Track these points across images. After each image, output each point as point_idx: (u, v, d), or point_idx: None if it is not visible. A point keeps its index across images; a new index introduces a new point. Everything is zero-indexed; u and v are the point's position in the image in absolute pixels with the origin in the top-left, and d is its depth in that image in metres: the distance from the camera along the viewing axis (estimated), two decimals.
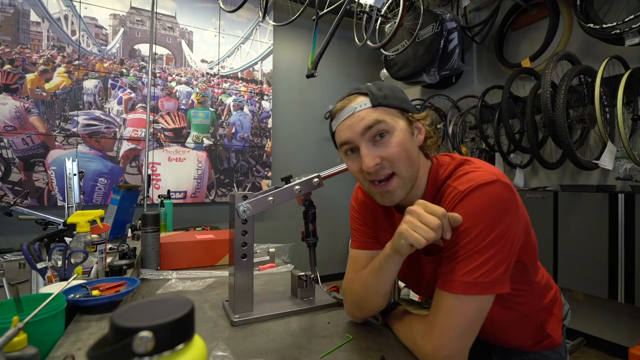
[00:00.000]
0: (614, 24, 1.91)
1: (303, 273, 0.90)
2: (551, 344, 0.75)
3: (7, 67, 2.43)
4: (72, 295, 0.76)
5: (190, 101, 3.07)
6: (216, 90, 3.19)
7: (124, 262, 1.03)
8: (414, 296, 2.98)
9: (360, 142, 0.63)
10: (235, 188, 3.25)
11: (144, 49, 2.90)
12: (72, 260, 0.86)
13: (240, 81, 3.31)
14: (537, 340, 0.75)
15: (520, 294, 0.70)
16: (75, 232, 0.94)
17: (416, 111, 0.68)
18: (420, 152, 0.69)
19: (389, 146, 0.62)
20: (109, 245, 1.32)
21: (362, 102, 0.63)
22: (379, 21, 2.92)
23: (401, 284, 3.12)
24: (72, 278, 0.76)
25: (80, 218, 0.96)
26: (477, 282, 0.55)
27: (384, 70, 3.34)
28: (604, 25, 1.96)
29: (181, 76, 3.04)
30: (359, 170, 0.65)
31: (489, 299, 0.57)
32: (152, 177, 2.87)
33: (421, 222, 0.56)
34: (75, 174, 1.44)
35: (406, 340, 0.66)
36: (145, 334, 0.27)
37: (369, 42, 2.75)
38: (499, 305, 0.63)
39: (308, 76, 2.73)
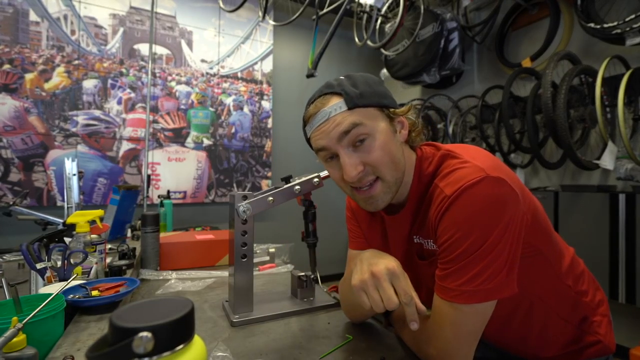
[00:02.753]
0: (615, 23, 1.91)
1: (303, 273, 0.90)
2: (600, 351, 0.64)
3: (6, 66, 2.42)
4: (71, 295, 0.76)
5: (190, 101, 3.06)
6: (216, 90, 3.18)
7: (123, 262, 1.03)
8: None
9: (338, 149, 0.58)
10: (235, 188, 3.24)
11: (143, 48, 2.90)
12: (72, 261, 0.86)
13: (240, 81, 3.30)
14: (577, 347, 0.65)
15: (546, 288, 0.63)
16: (74, 232, 0.94)
17: (397, 105, 0.62)
18: (406, 146, 0.64)
19: (371, 151, 0.57)
20: (109, 246, 1.32)
21: (336, 105, 0.57)
22: (379, 21, 2.92)
23: None
24: (71, 278, 0.76)
25: (80, 218, 0.95)
26: (478, 290, 0.52)
27: (384, 70, 3.34)
28: (605, 25, 1.95)
29: (181, 76, 3.04)
30: (340, 178, 0.61)
31: (491, 305, 0.55)
32: (151, 177, 2.86)
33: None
34: (74, 174, 1.43)
35: (409, 342, 0.65)
36: (145, 334, 0.27)
37: (369, 42, 2.75)
38: (517, 307, 0.58)
39: (308, 76, 2.73)
